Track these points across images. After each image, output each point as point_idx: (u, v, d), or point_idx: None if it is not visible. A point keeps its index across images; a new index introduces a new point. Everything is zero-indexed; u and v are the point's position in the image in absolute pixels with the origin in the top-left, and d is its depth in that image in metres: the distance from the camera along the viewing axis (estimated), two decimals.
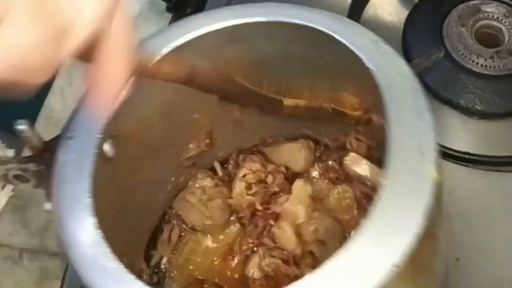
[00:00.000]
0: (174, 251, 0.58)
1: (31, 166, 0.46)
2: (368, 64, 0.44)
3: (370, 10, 0.74)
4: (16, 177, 0.46)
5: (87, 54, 0.34)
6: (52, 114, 0.78)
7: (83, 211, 0.41)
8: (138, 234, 0.57)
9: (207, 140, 0.57)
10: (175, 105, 0.53)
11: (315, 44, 0.48)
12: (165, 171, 0.57)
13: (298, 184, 0.56)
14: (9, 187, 0.48)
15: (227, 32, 0.49)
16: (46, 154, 0.45)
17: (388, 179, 0.39)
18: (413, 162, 0.40)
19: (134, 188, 0.53)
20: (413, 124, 0.41)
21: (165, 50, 0.48)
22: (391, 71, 0.44)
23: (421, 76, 0.66)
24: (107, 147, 0.47)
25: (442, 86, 0.66)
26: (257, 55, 0.51)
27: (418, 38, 0.70)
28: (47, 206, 0.43)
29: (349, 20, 0.48)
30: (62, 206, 0.42)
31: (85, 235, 0.40)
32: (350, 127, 0.54)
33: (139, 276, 0.49)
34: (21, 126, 0.44)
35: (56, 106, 0.78)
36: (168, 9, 0.77)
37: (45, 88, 0.79)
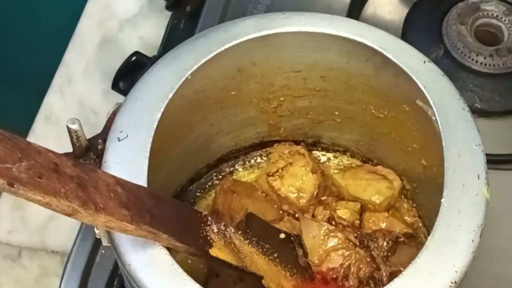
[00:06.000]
0: None
1: None
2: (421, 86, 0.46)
3: (369, 8, 0.74)
4: None
5: None
6: (51, 112, 0.77)
7: None
8: None
9: None
10: None
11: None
12: None
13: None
14: None
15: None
16: (90, 153, 0.44)
17: (447, 200, 0.41)
18: (471, 185, 0.42)
19: None
20: (468, 147, 0.44)
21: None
22: (440, 91, 0.46)
23: None
24: None
25: None
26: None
27: (417, 36, 0.70)
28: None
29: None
30: None
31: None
32: None
33: None
34: (74, 125, 0.42)
35: (55, 104, 0.78)
36: (168, 7, 0.77)
37: (44, 86, 0.78)
